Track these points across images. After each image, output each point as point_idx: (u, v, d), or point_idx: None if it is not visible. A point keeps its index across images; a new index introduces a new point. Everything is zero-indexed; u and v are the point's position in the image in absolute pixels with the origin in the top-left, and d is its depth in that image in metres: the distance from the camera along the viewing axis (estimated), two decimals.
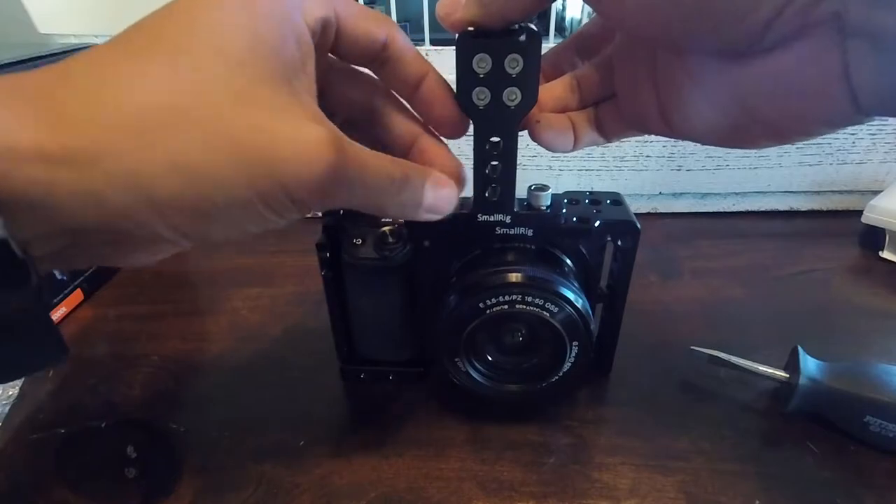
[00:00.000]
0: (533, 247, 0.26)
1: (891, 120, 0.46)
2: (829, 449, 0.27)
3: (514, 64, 0.21)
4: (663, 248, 0.46)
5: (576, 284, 0.26)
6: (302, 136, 0.17)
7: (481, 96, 0.22)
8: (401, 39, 0.23)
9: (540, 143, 0.24)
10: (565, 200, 0.28)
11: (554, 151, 0.25)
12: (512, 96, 0.22)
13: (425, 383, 0.32)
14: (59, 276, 0.39)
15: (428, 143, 0.24)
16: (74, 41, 0.53)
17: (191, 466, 0.28)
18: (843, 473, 0.26)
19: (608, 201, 0.28)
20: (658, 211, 0.53)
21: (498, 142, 0.23)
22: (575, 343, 0.26)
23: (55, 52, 0.40)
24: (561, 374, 0.27)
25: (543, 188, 0.26)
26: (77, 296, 0.41)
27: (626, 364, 0.32)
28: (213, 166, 0.16)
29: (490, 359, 0.28)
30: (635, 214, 0.27)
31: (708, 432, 0.29)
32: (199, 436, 0.29)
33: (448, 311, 0.26)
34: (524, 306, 0.25)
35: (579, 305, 0.25)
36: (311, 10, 0.20)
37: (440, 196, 0.22)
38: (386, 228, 0.27)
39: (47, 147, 0.15)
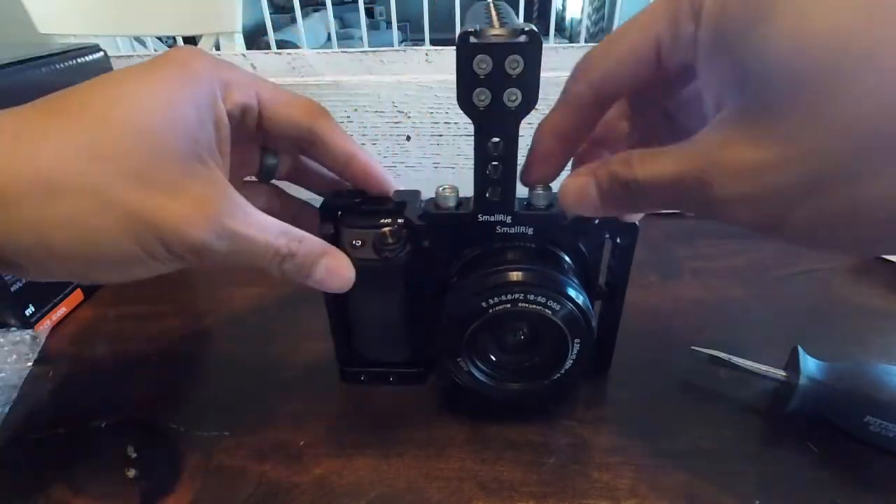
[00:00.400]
0: (533, 245, 0.26)
1: None
2: (829, 449, 0.27)
3: (514, 65, 0.21)
4: (663, 248, 0.46)
5: (576, 282, 0.26)
6: (186, 213, 0.20)
7: (482, 97, 0.22)
8: (326, 128, 0.25)
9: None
10: None
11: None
12: (512, 97, 0.22)
13: (425, 383, 0.32)
14: None
15: (361, 161, 0.27)
16: (74, 41, 0.53)
17: (191, 466, 0.28)
18: (843, 473, 0.26)
19: None
20: (658, 211, 0.53)
21: (498, 142, 0.23)
22: (577, 340, 0.26)
23: (55, 52, 0.40)
24: (563, 371, 0.27)
25: (544, 188, 0.26)
26: (77, 296, 0.41)
27: (626, 364, 0.32)
28: (103, 227, 0.19)
29: (492, 358, 0.28)
30: None
31: (708, 432, 0.29)
32: (199, 436, 0.29)
33: (449, 311, 0.26)
34: (526, 304, 0.25)
35: (580, 302, 0.25)
36: (232, 97, 0.23)
37: (333, 277, 0.24)
38: (385, 229, 0.27)
39: None
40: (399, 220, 0.27)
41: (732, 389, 0.31)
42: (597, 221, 0.26)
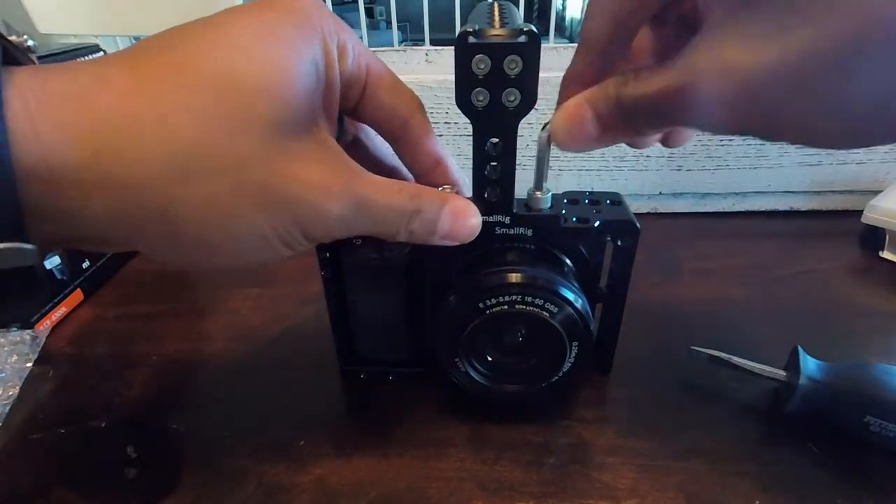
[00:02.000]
0: (532, 247, 0.26)
1: None
2: (829, 449, 0.27)
3: (513, 65, 0.21)
4: (663, 248, 0.46)
5: (575, 284, 0.26)
6: (324, 184, 0.18)
7: (480, 97, 0.22)
8: (421, 126, 0.24)
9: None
10: (565, 201, 0.27)
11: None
12: (511, 97, 0.22)
13: (425, 383, 0.32)
14: (58, 276, 0.39)
15: (444, 169, 0.25)
16: (74, 41, 0.53)
17: (191, 466, 0.28)
18: (843, 473, 0.26)
19: (608, 201, 0.28)
20: (658, 211, 0.53)
21: (497, 142, 0.23)
22: (575, 343, 0.26)
23: (55, 52, 0.40)
24: (561, 374, 0.27)
25: (543, 191, 0.26)
26: (77, 296, 0.41)
27: (626, 364, 0.32)
28: (239, 208, 0.17)
29: (490, 359, 0.28)
30: (635, 214, 0.27)
31: (708, 432, 0.29)
32: (199, 436, 0.29)
33: (448, 312, 0.26)
34: (524, 306, 0.25)
35: (579, 305, 0.25)
36: (346, 61, 0.20)
37: (459, 226, 0.22)
38: None
39: (88, 172, 0.16)
40: None
41: (732, 389, 0.31)
42: (597, 224, 0.26)
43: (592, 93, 0.19)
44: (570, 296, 0.25)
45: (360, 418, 0.31)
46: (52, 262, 0.39)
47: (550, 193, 0.26)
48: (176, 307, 0.41)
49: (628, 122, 0.19)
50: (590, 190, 0.29)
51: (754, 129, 0.17)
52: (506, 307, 0.25)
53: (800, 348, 0.29)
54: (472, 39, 0.21)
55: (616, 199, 0.28)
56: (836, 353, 0.30)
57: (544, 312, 0.25)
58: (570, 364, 0.26)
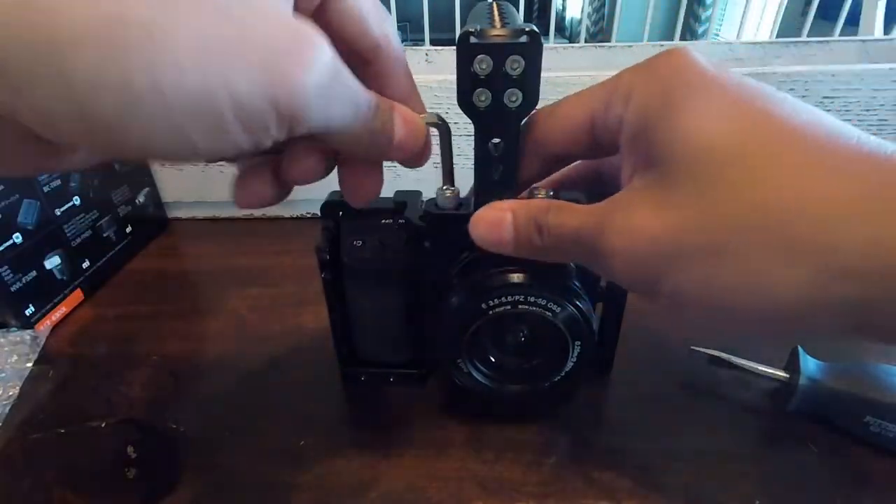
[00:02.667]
0: None
1: (891, 120, 0.46)
2: (829, 449, 0.27)
3: (515, 65, 0.21)
4: None
5: (577, 284, 0.26)
6: (314, 41, 0.15)
7: (482, 98, 0.22)
8: (394, 47, 0.21)
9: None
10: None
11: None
12: (513, 97, 0.22)
13: (425, 384, 0.32)
14: (58, 277, 0.39)
15: (419, 104, 0.23)
16: None
17: (191, 466, 0.28)
18: (843, 473, 0.26)
19: None
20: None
21: (499, 143, 0.23)
22: (577, 343, 0.26)
23: None
24: (563, 374, 0.27)
25: (546, 190, 0.26)
26: (77, 296, 0.41)
27: (626, 364, 0.32)
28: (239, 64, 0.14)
29: (492, 359, 0.28)
30: None
31: (708, 432, 0.29)
32: (199, 436, 0.29)
33: (450, 312, 0.26)
34: (527, 306, 0.25)
35: (581, 305, 0.25)
36: None
37: (410, 131, 0.20)
38: (386, 230, 0.27)
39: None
40: (400, 221, 0.27)
41: (732, 389, 0.31)
42: None
43: (518, 205, 0.22)
44: (572, 295, 0.25)
45: (360, 418, 0.31)
46: (52, 262, 0.39)
47: (552, 193, 0.26)
48: (176, 307, 0.41)
49: (540, 244, 0.21)
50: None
51: (640, 287, 0.19)
52: (508, 307, 0.25)
53: (800, 348, 0.29)
54: (473, 40, 0.21)
55: None
56: (836, 353, 0.30)
57: (547, 312, 0.25)
58: (572, 364, 0.26)
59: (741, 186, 0.16)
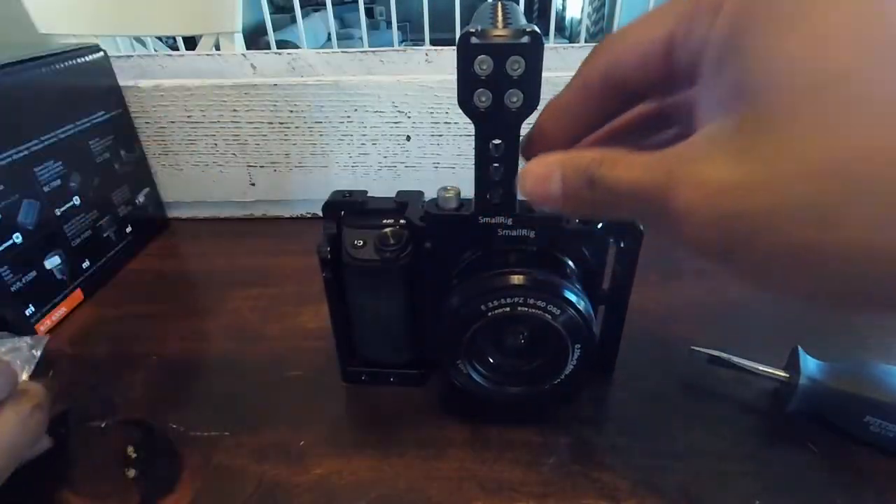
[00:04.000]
0: (535, 248, 0.26)
1: None
2: (829, 449, 0.27)
3: (515, 66, 0.21)
4: (663, 248, 0.46)
5: (578, 287, 0.25)
6: None
7: (483, 98, 0.22)
8: None
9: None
10: None
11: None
12: (514, 98, 0.22)
13: (425, 384, 0.32)
14: (58, 277, 0.39)
15: None
16: (74, 41, 0.52)
17: (191, 466, 0.28)
18: (843, 473, 0.26)
19: None
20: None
21: (499, 143, 0.23)
22: (577, 346, 0.26)
23: (55, 52, 0.40)
24: (563, 376, 0.27)
25: None
26: (77, 296, 0.41)
27: (626, 364, 0.32)
28: None
29: (492, 361, 0.28)
30: None
31: (708, 432, 0.29)
32: (199, 436, 0.29)
33: (449, 314, 0.26)
34: (526, 308, 0.25)
35: (581, 308, 0.25)
36: None
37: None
38: (387, 230, 0.27)
39: None
40: (401, 221, 0.27)
41: (732, 389, 0.31)
42: (600, 226, 0.26)
43: (568, 158, 0.19)
44: (572, 297, 0.25)
45: (360, 418, 0.31)
46: (53, 262, 0.39)
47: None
48: (176, 307, 0.41)
49: (591, 199, 0.18)
50: None
51: (718, 254, 0.15)
52: (508, 309, 0.25)
53: (800, 348, 0.29)
54: (474, 40, 0.21)
55: None
56: (836, 353, 0.30)
57: (547, 315, 0.25)
58: (572, 366, 0.26)
59: (872, 123, 0.12)
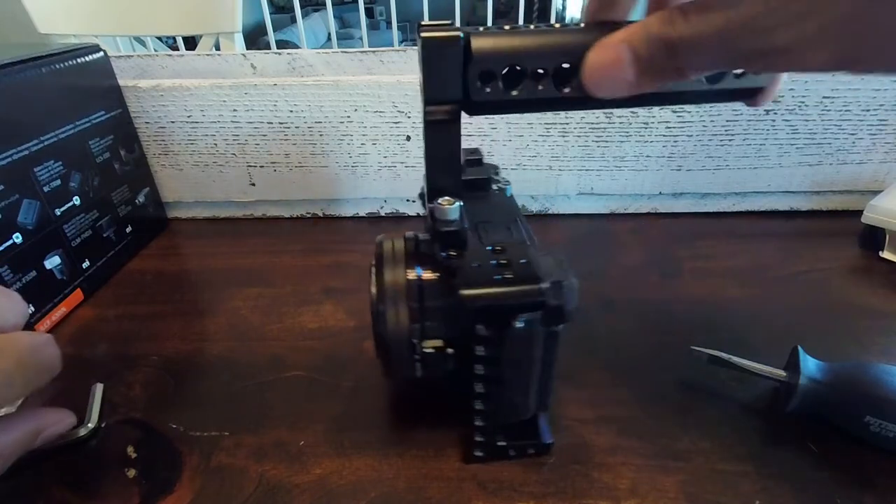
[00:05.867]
0: None
1: (891, 120, 0.46)
2: (829, 449, 0.27)
3: None
4: (663, 248, 0.46)
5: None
6: None
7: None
8: None
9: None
10: None
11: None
12: None
13: (426, 384, 0.32)
14: (58, 277, 0.39)
15: None
16: (74, 41, 0.52)
17: (191, 466, 0.28)
18: (843, 473, 0.26)
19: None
20: (658, 211, 0.52)
21: None
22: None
23: (55, 52, 0.40)
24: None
25: None
26: (77, 296, 0.41)
27: (625, 364, 0.32)
28: None
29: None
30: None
31: (708, 432, 0.29)
32: (199, 436, 0.29)
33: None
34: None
35: None
36: None
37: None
38: None
39: None
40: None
41: (732, 389, 0.31)
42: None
43: (631, 33, 0.17)
44: None
45: (360, 418, 0.31)
46: (52, 262, 0.39)
47: None
48: (176, 307, 0.41)
49: (674, 65, 0.17)
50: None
51: (844, 60, 0.14)
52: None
53: (800, 348, 0.29)
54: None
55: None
56: (836, 353, 0.30)
57: None
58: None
59: None
